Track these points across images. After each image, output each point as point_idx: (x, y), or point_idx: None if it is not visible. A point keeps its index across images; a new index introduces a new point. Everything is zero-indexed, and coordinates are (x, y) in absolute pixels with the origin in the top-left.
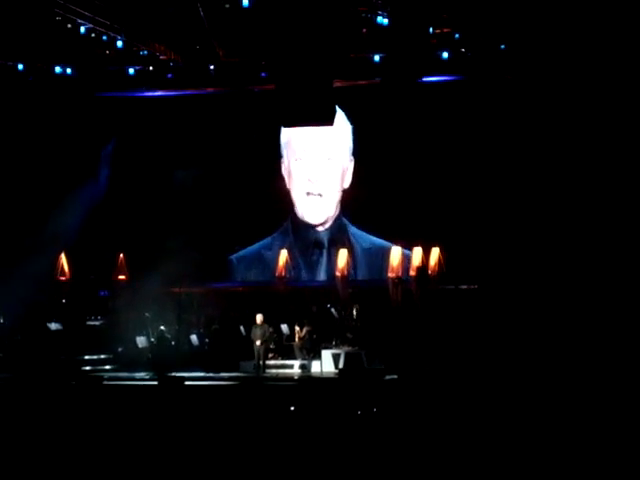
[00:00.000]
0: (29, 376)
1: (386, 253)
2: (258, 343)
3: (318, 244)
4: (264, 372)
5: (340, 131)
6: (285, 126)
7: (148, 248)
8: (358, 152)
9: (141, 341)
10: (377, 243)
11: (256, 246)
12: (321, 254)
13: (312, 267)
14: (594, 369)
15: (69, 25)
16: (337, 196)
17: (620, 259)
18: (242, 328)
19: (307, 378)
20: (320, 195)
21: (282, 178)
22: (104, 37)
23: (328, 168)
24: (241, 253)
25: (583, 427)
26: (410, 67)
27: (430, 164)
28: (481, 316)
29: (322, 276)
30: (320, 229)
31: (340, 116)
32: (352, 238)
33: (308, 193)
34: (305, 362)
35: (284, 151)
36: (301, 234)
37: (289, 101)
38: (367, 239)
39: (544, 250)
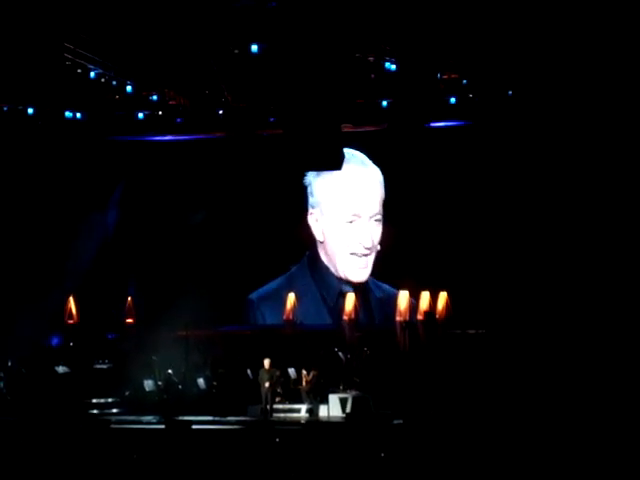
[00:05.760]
0: (36, 419)
1: (395, 300)
2: (266, 387)
3: (343, 295)
4: (271, 416)
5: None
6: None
7: (156, 292)
8: None
9: (148, 384)
10: (388, 292)
11: (273, 285)
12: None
13: (332, 313)
14: (604, 410)
15: (79, 70)
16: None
17: (629, 303)
18: (249, 372)
19: (314, 422)
20: (368, 253)
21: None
22: (114, 82)
23: (378, 228)
24: (260, 292)
25: (593, 467)
26: (418, 112)
27: (438, 209)
28: (489, 361)
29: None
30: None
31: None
32: (368, 286)
33: (352, 253)
34: (312, 406)
35: (320, 204)
36: (324, 280)
37: (297, 146)
38: (379, 287)
39: (552, 295)
